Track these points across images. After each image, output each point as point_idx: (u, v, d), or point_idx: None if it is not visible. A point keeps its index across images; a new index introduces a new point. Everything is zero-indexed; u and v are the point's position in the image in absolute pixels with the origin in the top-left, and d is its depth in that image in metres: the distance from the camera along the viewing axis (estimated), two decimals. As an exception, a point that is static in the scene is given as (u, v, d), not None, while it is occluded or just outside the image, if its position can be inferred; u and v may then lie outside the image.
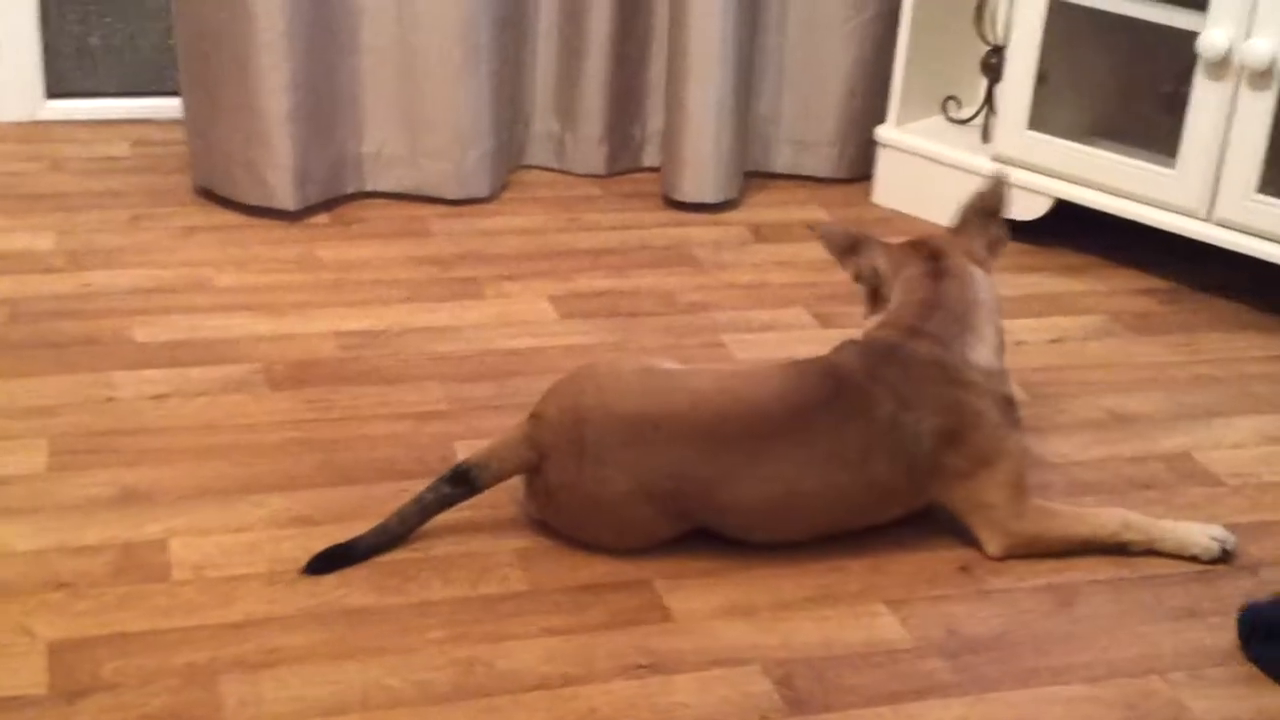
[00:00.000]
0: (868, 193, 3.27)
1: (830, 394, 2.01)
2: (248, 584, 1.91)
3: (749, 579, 1.98)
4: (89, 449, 2.19)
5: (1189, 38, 2.74)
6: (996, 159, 3.02)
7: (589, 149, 3.28)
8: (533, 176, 3.30)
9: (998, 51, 3.09)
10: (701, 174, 3.15)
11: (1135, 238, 2.96)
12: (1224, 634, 1.91)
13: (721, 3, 3.01)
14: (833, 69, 3.25)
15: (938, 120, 3.25)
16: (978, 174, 2.97)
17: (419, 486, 2.01)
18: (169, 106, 3.30)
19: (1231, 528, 2.09)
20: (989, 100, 3.15)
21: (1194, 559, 2.05)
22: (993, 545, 2.04)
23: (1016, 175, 2.99)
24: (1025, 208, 3.02)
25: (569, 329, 2.65)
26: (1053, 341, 2.71)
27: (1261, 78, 2.67)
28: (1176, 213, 2.83)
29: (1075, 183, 2.96)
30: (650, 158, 3.33)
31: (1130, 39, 3.01)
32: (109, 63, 3.49)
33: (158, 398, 2.35)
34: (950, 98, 3.23)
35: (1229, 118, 2.72)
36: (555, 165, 3.32)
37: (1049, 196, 2.99)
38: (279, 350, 2.51)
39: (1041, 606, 1.96)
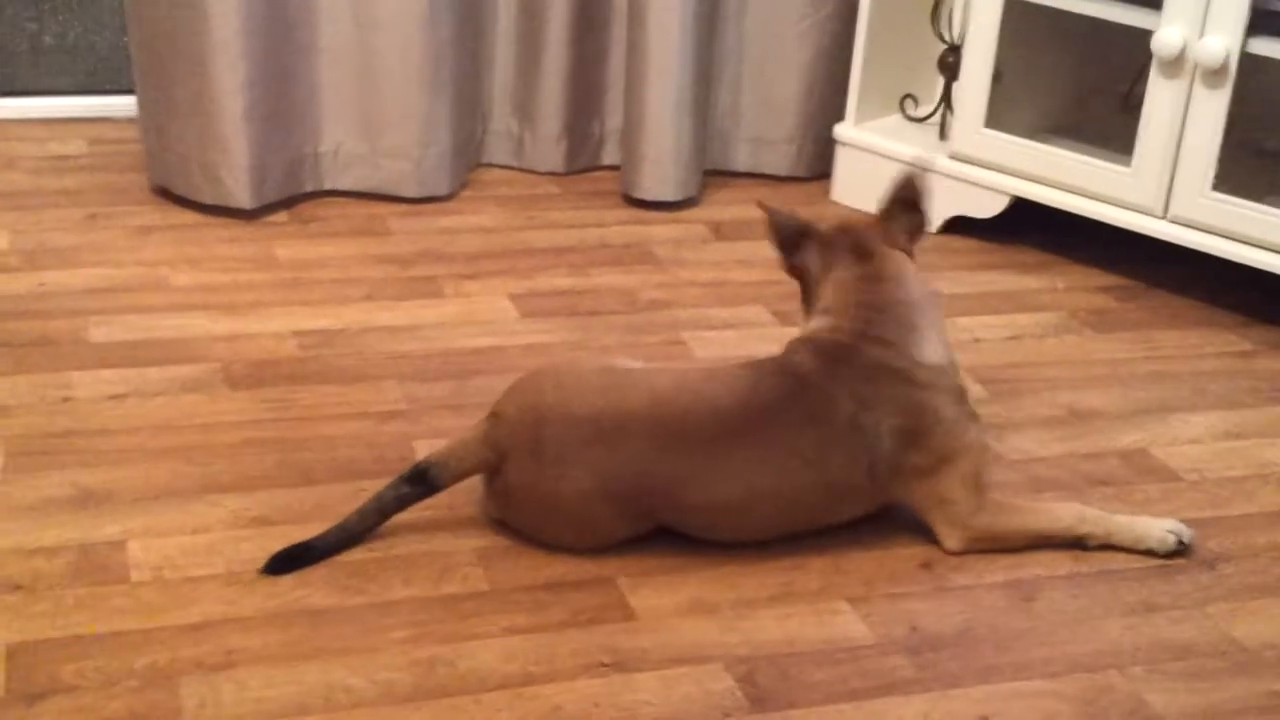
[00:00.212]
0: (827, 190, 3.28)
1: (790, 394, 2.01)
2: (207, 585, 1.90)
3: (711, 577, 1.98)
4: (45, 450, 2.17)
5: (1144, 36, 2.76)
6: (954, 157, 3.04)
7: (548, 147, 3.27)
8: (492, 175, 3.29)
9: (955, 50, 3.10)
10: (661, 172, 3.15)
11: (1092, 235, 2.98)
12: (1182, 628, 1.93)
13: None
14: (791, 67, 3.26)
15: (896, 119, 3.26)
16: (937, 172, 3.00)
17: (378, 486, 2.00)
18: (124, 105, 3.28)
19: (1189, 523, 2.10)
20: (946, 99, 3.17)
21: (1150, 552, 2.07)
22: (951, 540, 2.05)
23: (974, 173, 3.02)
24: (982, 205, 3.04)
25: (529, 328, 2.64)
26: (1010, 338, 2.73)
27: (1215, 76, 2.69)
28: (1132, 210, 2.85)
29: (1032, 180, 2.97)
30: (610, 155, 3.33)
31: (1086, 38, 3.03)
32: (63, 61, 3.46)
33: (115, 398, 2.33)
34: (908, 96, 3.25)
35: (1184, 116, 2.74)
36: (515, 163, 3.31)
37: (1006, 194, 3.01)
38: (237, 350, 2.49)
39: (1002, 602, 1.97)
